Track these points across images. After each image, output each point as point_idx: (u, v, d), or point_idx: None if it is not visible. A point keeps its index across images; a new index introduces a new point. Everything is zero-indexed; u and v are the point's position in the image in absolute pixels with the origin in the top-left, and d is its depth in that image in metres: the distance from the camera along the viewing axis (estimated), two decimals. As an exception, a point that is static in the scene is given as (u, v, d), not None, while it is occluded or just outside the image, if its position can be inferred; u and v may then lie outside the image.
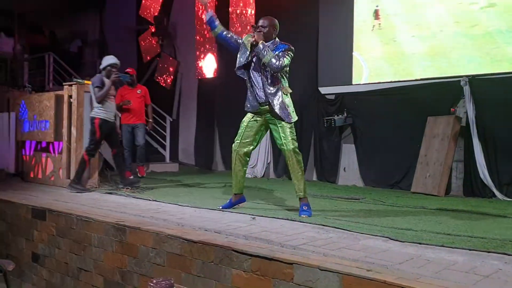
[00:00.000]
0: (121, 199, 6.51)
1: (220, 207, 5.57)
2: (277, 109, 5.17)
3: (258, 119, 5.38)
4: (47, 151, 8.16)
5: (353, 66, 8.86)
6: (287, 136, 5.16)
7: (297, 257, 3.45)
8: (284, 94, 5.23)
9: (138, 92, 9.15)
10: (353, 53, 8.84)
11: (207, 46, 11.80)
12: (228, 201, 5.65)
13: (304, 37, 9.52)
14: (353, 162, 8.92)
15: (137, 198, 6.51)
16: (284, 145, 5.17)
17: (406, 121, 8.07)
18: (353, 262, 3.32)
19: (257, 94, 5.30)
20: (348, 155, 9.03)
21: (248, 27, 10.48)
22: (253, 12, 10.63)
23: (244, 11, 10.80)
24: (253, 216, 5.03)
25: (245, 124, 5.43)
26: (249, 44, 5.25)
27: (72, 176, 7.31)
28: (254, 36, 5.20)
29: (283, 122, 5.18)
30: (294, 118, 5.26)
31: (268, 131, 5.57)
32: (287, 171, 8.31)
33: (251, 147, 5.45)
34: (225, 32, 5.49)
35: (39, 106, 8.20)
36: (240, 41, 5.38)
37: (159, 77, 12.97)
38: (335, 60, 9.17)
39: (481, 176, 7.15)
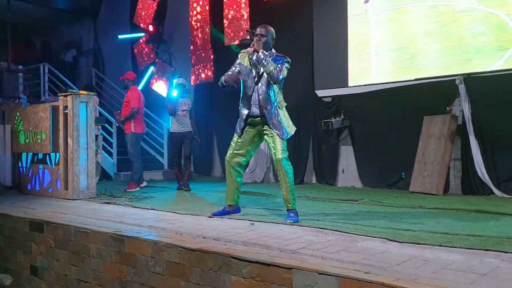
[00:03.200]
0: (119, 208, 6.47)
1: (211, 214, 5.46)
2: (272, 127, 5.05)
3: (250, 130, 5.26)
4: (44, 162, 8.14)
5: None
6: (276, 146, 5.03)
7: (295, 262, 3.43)
8: (280, 108, 5.12)
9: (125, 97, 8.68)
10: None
11: (202, 54, 11.84)
12: (222, 209, 5.54)
13: (299, 40, 9.56)
14: (352, 163, 8.94)
15: (135, 207, 6.48)
16: (274, 154, 5.06)
17: (403, 121, 8.09)
18: (352, 265, 3.30)
19: (250, 108, 5.18)
20: (346, 156, 9.05)
21: (242, 32, 10.48)
22: (246, 16, 10.62)
23: (237, 15, 10.78)
24: (252, 222, 5.00)
25: (238, 134, 5.34)
26: (247, 59, 5.14)
27: (69, 186, 7.43)
28: (254, 44, 5.03)
29: (274, 133, 5.05)
30: (290, 133, 5.13)
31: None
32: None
33: (244, 158, 5.35)
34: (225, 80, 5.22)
35: (35, 118, 8.17)
36: (236, 69, 5.21)
37: (155, 85, 12.98)
38: (331, 62, 9.19)
39: (479, 173, 7.17)
